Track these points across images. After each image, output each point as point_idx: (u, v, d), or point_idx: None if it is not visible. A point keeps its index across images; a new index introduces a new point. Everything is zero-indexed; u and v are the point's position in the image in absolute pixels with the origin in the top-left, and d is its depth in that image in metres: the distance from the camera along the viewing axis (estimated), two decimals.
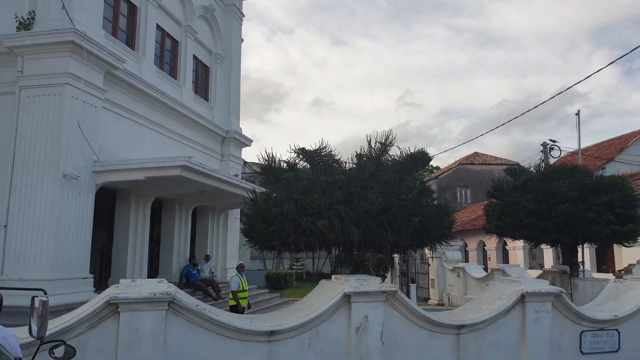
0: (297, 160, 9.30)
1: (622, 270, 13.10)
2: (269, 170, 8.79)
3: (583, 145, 28.71)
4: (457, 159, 28.58)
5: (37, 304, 2.54)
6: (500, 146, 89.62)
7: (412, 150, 10.93)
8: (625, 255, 16.50)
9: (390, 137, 10.30)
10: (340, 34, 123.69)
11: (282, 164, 9.16)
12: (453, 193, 26.81)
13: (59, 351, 2.70)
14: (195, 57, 15.89)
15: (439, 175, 27.93)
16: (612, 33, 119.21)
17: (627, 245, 12.33)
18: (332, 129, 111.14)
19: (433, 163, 57.03)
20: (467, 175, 26.43)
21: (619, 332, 7.28)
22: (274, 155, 8.93)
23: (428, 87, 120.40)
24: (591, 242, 12.52)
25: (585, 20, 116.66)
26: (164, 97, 13.19)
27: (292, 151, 9.33)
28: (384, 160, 10.19)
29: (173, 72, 14.71)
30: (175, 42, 14.87)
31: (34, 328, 2.55)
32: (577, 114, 17.57)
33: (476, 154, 27.20)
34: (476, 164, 25.80)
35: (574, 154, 19.33)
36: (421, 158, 10.69)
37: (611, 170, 17.54)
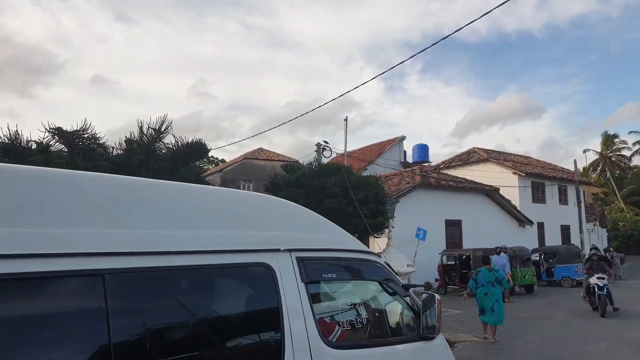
0: (51, 142, 8.08)
1: None
2: (11, 151, 7.41)
3: (353, 148, 32.52)
4: (244, 154, 29.25)
5: None
6: (287, 144, 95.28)
7: (189, 140, 10.56)
8: (375, 245, 19.21)
9: (166, 124, 9.76)
10: (127, 10, 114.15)
11: (31, 144, 7.84)
12: (237, 186, 27.34)
13: None
14: None
15: (223, 169, 28.09)
16: (380, 52, 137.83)
17: (376, 236, 14.28)
18: (116, 112, 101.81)
19: (221, 156, 56.64)
20: (252, 169, 27.16)
21: None
22: (20, 134, 7.56)
23: (222, 80, 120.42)
24: (351, 233, 14.11)
25: (361, 37, 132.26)
26: None
27: (47, 130, 8.07)
28: (157, 148, 9.62)
29: None
30: None
31: None
32: (345, 119, 19.67)
33: (261, 149, 28.22)
34: (260, 159, 26.73)
35: (343, 155, 21.58)
36: (198, 149, 10.41)
37: (372, 171, 20.16)
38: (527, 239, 25.07)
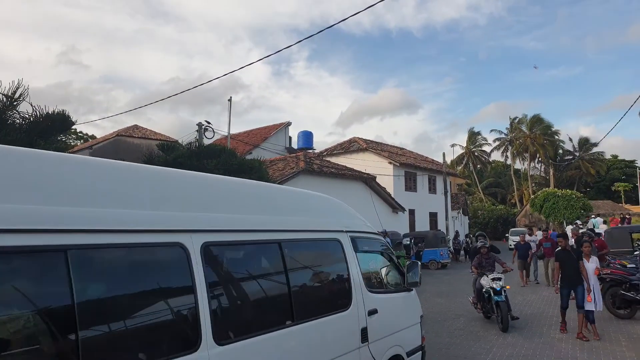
0: None
1: None
2: None
3: (238, 131, 31.88)
4: (117, 130, 27.05)
5: None
6: (167, 123, 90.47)
7: (50, 111, 9.46)
8: None
9: (21, 90, 8.61)
10: None
11: None
12: None
13: None
14: None
15: (93, 145, 25.74)
16: (268, 35, 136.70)
17: None
18: None
19: (92, 132, 51.93)
20: (125, 147, 25.21)
21: None
22: None
23: (95, 49, 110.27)
24: None
25: (248, 18, 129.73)
26: None
27: None
28: (9, 117, 8.44)
29: None
30: None
31: None
32: (229, 100, 19.06)
33: (136, 126, 26.27)
34: (135, 137, 24.88)
35: (226, 137, 20.96)
36: (61, 121, 9.35)
37: (257, 155, 19.84)
38: (399, 224, 26.78)
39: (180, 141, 16.75)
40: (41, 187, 2.18)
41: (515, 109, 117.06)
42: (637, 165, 64.52)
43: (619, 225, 23.92)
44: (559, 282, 9.31)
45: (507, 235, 34.20)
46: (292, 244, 3.78)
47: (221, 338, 2.78)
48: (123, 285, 2.47)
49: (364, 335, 4.28)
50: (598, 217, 30.17)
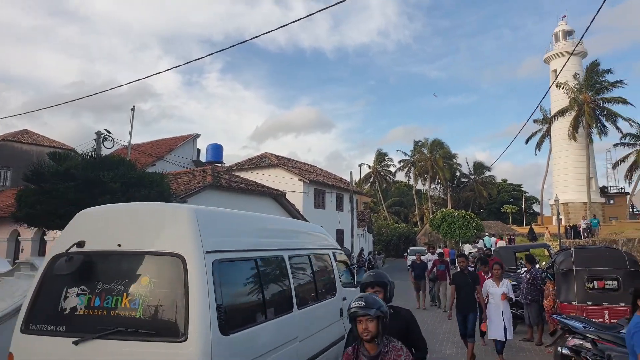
0: None
1: None
2: None
3: (145, 141, 30.36)
4: (3, 134, 24.53)
5: None
6: (67, 129, 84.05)
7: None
8: None
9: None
10: None
11: None
12: None
13: None
14: None
15: None
16: (180, 45, 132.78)
17: None
18: None
19: None
20: (12, 153, 22.97)
21: None
22: None
23: None
24: None
25: (159, 26, 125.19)
26: None
27: None
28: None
29: None
30: None
31: None
32: (132, 109, 18.11)
33: (26, 131, 24.03)
34: (24, 142, 22.77)
35: (128, 147, 19.85)
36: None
37: (161, 167, 18.94)
38: None
39: (78, 149, 15.55)
40: (244, 231, 5.06)
41: (420, 132, 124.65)
42: (522, 189, 71.16)
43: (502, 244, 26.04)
44: (453, 308, 8.66)
45: (405, 254, 35.76)
46: (314, 256, 6.77)
47: (300, 305, 5.56)
48: (281, 271, 5.49)
49: (341, 312, 7.08)
50: (493, 237, 32.68)
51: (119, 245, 4.11)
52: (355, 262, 28.44)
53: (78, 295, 4.07)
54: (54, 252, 4.38)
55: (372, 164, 70.56)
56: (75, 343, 3.83)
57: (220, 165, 28.20)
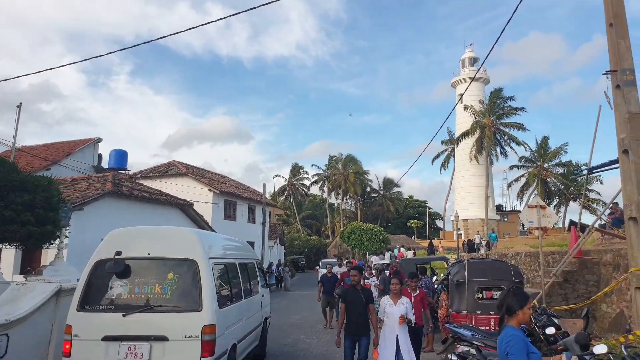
0: None
1: (34, 271, 12.83)
2: None
3: (37, 143, 27.78)
4: None
5: None
6: None
7: None
8: (50, 257, 16.53)
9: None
10: None
11: None
12: None
13: None
14: None
15: None
16: (86, 43, 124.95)
17: (44, 247, 12.21)
18: None
19: None
20: None
21: (8, 337, 6.75)
22: None
23: None
24: (7, 242, 11.63)
25: (63, 20, 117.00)
26: None
27: None
28: None
29: None
30: None
31: None
32: (19, 106, 16.47)
33: None
34: None
35: (17, 148, 18.04)
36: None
37: (56, 172, 17.37)
38: None
39: None
40: (220, 246, 7.89)
41: (336, 147, 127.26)
42: (427, 205, 75.00)
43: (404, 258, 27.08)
44: (342, 331, 7.07)
45: (317, 267, 35.97)
46: (248, 264, 8.99)
47: (245, 296, 8.09)
48: (235, 273, 7.85)
49: (261, 305, 9.37)
50: (402, 248, 33.86)
51: (149, 254, 6.31)
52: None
53: (121, 286, 6.16)
54: (96, 259, 6.38)
55: (287, 177, 70.69)
56: (124, 315, 5.90)
57: (124, 172, 26.60)
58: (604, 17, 7.19)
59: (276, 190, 70.92)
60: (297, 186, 71.53)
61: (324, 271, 16.17)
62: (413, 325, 7.04)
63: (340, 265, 16.62)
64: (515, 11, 8.92)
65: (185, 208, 24.31)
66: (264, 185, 32.35)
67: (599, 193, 49.61)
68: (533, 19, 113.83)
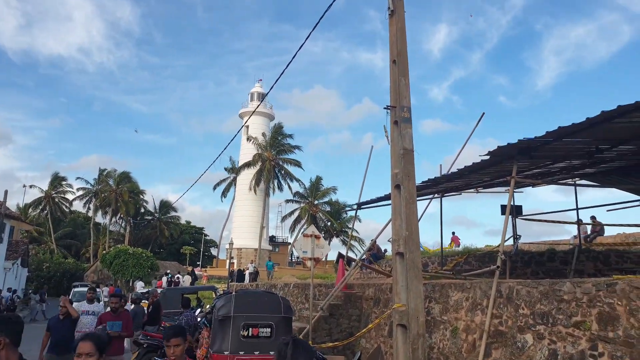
0: None
1: None
2: None
3: None
4: None
5: None
6: None
7: None
8: None
9: None
10: None
11: None
12: None
13: None
14: None
15: None
16: None
17: None
18: None
19: None
20: None
21: None
22: None
23: None
24: None
25: None
26: None
27: None
28: None
29: None
30: None
31: None
32: None
33: None
34: None
35: None
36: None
37: None
38: None
39: None
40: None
41: (115, 164, 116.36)
42: (204, 232, 73.32)
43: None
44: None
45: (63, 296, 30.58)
46: None
47: None
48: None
49: None
50: (178, 274, 31.28)
51: None
52: None
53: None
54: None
55: (45, 188, 60.72)
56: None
57: None
58: (389, 57, 7.34)
59: (28, 202, 60.19)
60: (56, 200, 61.98)
61: (79, 304, 9.52)
62: None
63: (91, 300, 9.13)
64: (294, 57, 8.79)
65: None
66: (6, 192, 26.40)
67: (357, 231, 55.66)
68: (318, 75, 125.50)
